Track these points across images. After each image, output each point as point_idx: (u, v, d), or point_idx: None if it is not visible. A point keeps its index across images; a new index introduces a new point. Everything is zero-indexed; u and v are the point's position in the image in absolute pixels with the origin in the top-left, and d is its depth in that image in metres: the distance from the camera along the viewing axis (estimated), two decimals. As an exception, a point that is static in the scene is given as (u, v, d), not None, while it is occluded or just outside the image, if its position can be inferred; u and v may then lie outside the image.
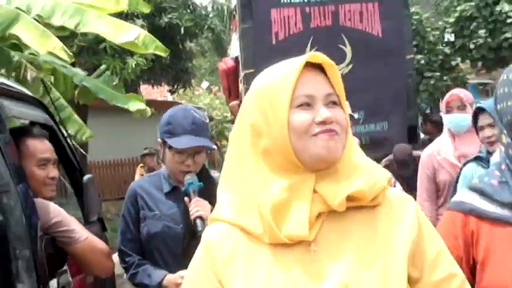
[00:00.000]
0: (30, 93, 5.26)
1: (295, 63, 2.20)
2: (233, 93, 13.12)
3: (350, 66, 10.30)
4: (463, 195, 2.65)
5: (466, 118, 6.14)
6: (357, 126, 9.61)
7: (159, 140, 4.63)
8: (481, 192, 2.56)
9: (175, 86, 25.65)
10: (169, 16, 18.74)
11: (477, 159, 5.37)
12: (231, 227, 2.26)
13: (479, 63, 18.66)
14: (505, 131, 2.57)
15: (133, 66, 17.54)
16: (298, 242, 2.15)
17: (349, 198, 2.15)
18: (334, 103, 2.22)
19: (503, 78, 2.65)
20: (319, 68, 2.24)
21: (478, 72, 19.32)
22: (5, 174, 3.76)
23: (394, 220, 2.25)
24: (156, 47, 10.81)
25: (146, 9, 11.76)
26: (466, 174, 5.21)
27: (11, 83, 5.02)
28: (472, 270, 2.56)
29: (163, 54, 11.32)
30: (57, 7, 10.03)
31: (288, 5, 10.41)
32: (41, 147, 4.55)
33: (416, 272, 2.20)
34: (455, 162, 6.20)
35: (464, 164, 5.44)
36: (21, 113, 4.67)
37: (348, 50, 10.35)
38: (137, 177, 15.47)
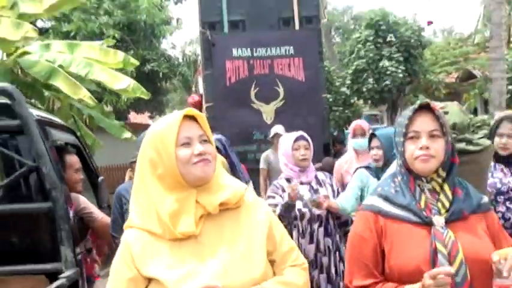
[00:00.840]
0: (64, 124, 5.34)
1: (177, 115, 2.39)
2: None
3: (283, 101, 10.47)
4: (372, 200, 2.68)
5: (365, 141, 6.08)
6: None
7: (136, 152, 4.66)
8: (385, 198, 2.60)
9: (154, 113, 25.48)
10: (152, 65, 18.65)
11: (366, 167, 5.29)
12: (141, 231, 2.36)
13: (369, 101, 19.06)
14: (398, 156, 2.62)
15: (125, 100, 17.47)
16: (189, 236, 2.31)
17: (221, 204, 2.35)
18: (205, 141, 2.39)
19: (397, 120, 2.74)
20: (193, 118, 2.40)
21: (369, 107, 19.68)
22: (54, 177, 3.92)
23: (252, 215, 2.45)
24: (141, 92, 10.88)
25: (135, 64, 11.75)
26: (357, 175, 5.16)
27: (53, 116, 5.08)
28: (382, 254, 2.58)
29: (145, 97, 11.27)
30: (73, 60, 10.09)
31: (238, 58, 10.53)
32: (73, 160, 4.74)
33: (271, 247, 2.42)
34: None
35: (357, 169, 5.43)
36: (60, 137, 4.69)
37: (281, 90, 10.45)
38: (127, 177, 14.76)
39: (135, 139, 12.74)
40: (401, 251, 2.47)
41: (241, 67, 10.71)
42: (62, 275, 3.80)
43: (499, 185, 4.83)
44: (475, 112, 20.87)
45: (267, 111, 10.60)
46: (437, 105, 3.37)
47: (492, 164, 4.88)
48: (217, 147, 3.77)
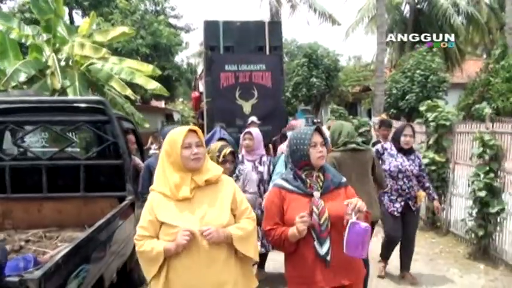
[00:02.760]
0: (127, 117, 5.61)
1: (184, 129, 2.44)
2: (196, 107, 13.63)
3: (257, 100, 10.59)
4: (279, 181, 2.69)
5: None
6: (259, 127, 9.49)
7: (161, 139, 4.35)
8: (286, 180, 2.63)
9: (167, 101, 25.80)
10: (168, 71, 18.82)
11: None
12: (158, 193, 2.42)
13: (303, 102, 19.62)
14: (293, 158, 2.65)
15: (149, 93, 17.65)
16: (186, 199, 2.37)
17: (206, 181, 2.42)
18: (199, 145, 2.42)
19: (295, 137, 2.67)
20: (193, 131, 2.44)
21: (303, 105, 20.16)
22: (123, 146, 4.26)
23: (224, 188, 2.50)
24: (163, 91, 11.14)
25: (159, 73, 11.80)
26: (281, 158, 4.79)
27: (123, 114, 5.34)
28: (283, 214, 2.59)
29: (166, 94, 11.53)
30: (122, 70, 10.31)
31: (228, 71, 10.60)
32: (131, 137, 5.07)
33: (233, 206, 2.49)
34: None
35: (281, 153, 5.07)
36: (125, 125, 4.99)
37: (255, 92, 10.57)
38: (149, 141, 13.86)
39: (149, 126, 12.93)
40: (292, 210, 2.55)
41: (230, 77, 10.77)
42: (127, 199, 4.16)
43: (400, 167, 4.72)
44: (369, 112, 21.55)
45: (246, 106, 10.70)
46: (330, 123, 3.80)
47: (395, 152, 4.83)
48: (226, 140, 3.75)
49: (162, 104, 28.35)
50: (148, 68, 11.31)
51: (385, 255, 5.24)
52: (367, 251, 2.46)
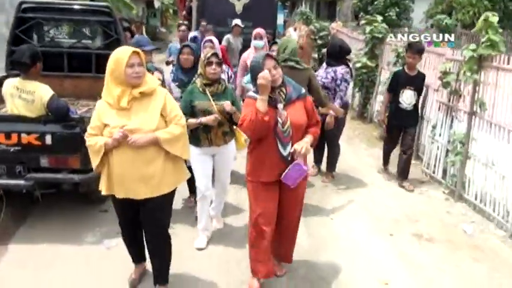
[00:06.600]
0: (125, 17, 6.59)
1: (128, 50, 2.62)
2: (182, 7, 13.89)
3: (249, 0, 10.61)
4: (253, 94, 2.91)
5: (261, 43, 6.21)
6: (250, 29, 8.90)
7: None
8: (257, 92, 2.80)
9: None
10: None
11: None
12: (104, 101, 2.70)
13: (279, 2, 20.09)
14: (252, 83, 2.91)
15: None
16: (124, 108, 2.65)
17: (141, 93, 2.67)
18: (140, 65, 2.62)
19: (252, 62, 2.91)
20: (137, 52, 2.64)
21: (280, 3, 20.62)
22: (123, 41, 5.20)
23: (156, 97, 2.74)
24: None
25: None
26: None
27: (123, 15, 6.24)
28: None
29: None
30: None
31: None
32: (128, 34, 6.08)
33: (164, 113, 2.74)
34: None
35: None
36: (124, 24, 5.93)
37: None
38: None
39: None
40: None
41: None
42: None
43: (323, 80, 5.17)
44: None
45: (238, 5, 10.62)
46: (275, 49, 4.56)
47: (326, 66, 5.31)
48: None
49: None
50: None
51: (315, 158, 5.96)
52: (296, 183, 2.98)
